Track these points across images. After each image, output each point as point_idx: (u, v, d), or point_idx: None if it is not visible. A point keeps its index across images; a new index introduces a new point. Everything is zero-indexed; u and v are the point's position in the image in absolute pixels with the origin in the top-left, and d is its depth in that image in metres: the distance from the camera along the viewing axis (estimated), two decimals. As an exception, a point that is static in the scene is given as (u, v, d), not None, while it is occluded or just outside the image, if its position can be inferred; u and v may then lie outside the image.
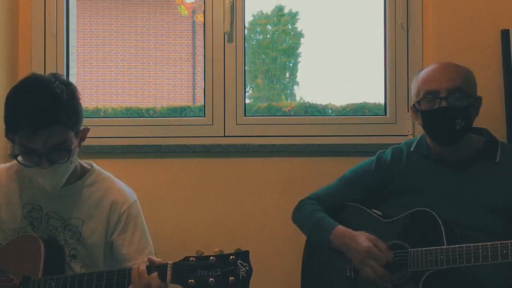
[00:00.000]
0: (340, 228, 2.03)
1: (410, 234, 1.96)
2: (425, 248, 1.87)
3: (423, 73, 2.08)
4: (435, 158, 2.09)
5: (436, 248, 1.85)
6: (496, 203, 1.97)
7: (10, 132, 1.78)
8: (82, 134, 1.89)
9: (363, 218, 2.09)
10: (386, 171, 2.14)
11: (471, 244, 1.80)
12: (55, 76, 1.84)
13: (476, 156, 2.05)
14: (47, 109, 1.73)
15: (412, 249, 1.90)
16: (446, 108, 1.97)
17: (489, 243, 1.78)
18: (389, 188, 2.12)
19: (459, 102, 1.98)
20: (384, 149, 2.22)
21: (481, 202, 1.98)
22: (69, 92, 1.80)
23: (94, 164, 2.02)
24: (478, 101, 2.06)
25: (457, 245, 1.82)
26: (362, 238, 1.95)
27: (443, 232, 1.86)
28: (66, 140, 1.78)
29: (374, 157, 2.21)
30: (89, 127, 1.92)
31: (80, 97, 1.86)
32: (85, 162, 2.01)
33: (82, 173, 1.96)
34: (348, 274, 2.04)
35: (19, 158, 1.82)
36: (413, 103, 2.11)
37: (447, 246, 1.84)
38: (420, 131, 2.62)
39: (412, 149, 2.16)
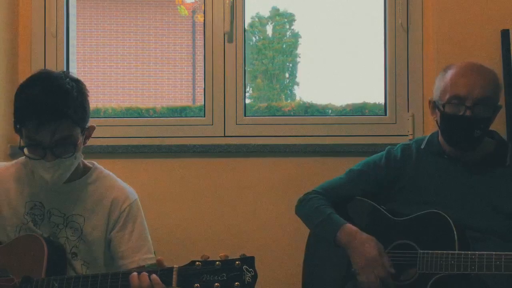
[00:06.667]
0: (349, 226, 1.99)
1: (420, 235, 1.93)
2: (435, 251, 1.84)
3: (454, 73, 2.02)
4: (447, 157, 2.07)
5: (447, 252, 1.82)
6: (506, 206, 1.96)
7: (18, 123, 1.80)
8: (88, 132, 1.91)
9: (372, 214, 2.06)
10: (396, 167, 2.12)
11: (484, 252, 1.78)
12: (65, 73, 1.88)
13: (487, 159, 2.04)
14: (55, 103, 1.75)
15: (421, 251, 1.88)
16: (469, 117, 1.95)
17: (503, 253, 1.76)
18: (398, 184, 2.10)
19: (483, 113, 1.96)
20: (394, 145, 2.20)
21: (492, 204, 1.97)
22: (79, 89, 1.84)
23: (96, 163, 2.03)
24: (498, 109, 2.05)
25: (470, 252, 1.80)
26: (372, 245, 1.92)
27: (456, 237, 1.83)
28: (72, 135, 1.80)
29: (383, 152, 2.18)
30: (95, 125, 1.94)
31: (89, 95, 1.89)
32: (87, 161, 2.02)
33: (84, 171, 1.97)
34: (353, 269, 2.00)
35: (25, 150, 1.83)
36: (434, 100, 2.07)
37: (459, 252, 1.81)
38: (419, 133, 2.63)
39: (422, 147, 2.13)
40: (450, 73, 2.03)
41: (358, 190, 2.13)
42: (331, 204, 2.10)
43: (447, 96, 1.99)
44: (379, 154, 2.19)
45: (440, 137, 2.10)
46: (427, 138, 2.16)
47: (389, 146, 2.21)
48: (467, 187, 2.01)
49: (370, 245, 1.92)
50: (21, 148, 1.83)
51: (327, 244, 2.05)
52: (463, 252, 1.81)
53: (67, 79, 1.82)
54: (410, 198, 2.05)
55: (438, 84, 2.07)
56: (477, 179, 2.02)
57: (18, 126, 1.80)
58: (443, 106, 2.00)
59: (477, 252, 1.79)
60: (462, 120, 1.96)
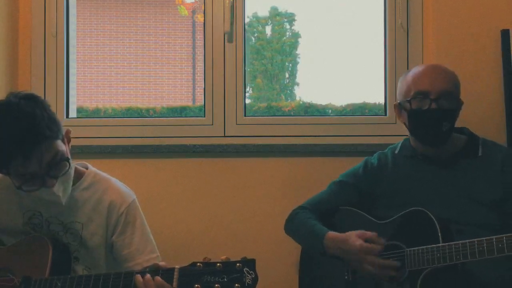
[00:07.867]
0: (330, 234, 2.03)
1: (405, 234, 1.98)
2: (421, 247, 1.89)
3: (414, 73, 2.11)
4: (421, 157, 2.13)
5: (432, 246, 1.87)
6: (484, 196, 2.01)
7: (2, 168, 1.76)
8: (67, 137, 1.86)
9: (357, 220, 2.11)
10: (374, 174, 2.19)
11: (467, 240, 1.82)
12: (15, 95, 1.78)
13: (459, 153, 2.10)
14: (27, 130, 1.69)
15: (408, 249, 1.92)
16: (435, 110, 2.02)
17: (484, 238, 1.80)
18: (378, 190, 2.16)
19: (448, 105, 2.04)
20: (371, 155, 2.27)
21: (470, 196, 2.02)
22: (37, 105, 1.76)
23: (89, 166, 2.00)
24: (461, 105, 2.12)
25: (453, 242, 1.84)
26: (353, 238, 1.97)
27: (438, 230, 1.89)
28: (58, 151, 1.76)
29: (362, 162, 2.26)
30: (70, 128, 1.88)
31: (49, 104, 1.81)
32: (79, 164, 1.99)
33: (78, 176, 1.94)
34: (346, 277, 2.05)
35: (23, 187, 1.79)
36: (398, 101, 2.15)
37: (443, 244, 1.86)
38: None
39: (396, 152, 2.21)
40: (411, 73, 2.12)
41: (342, 201, 2.20)
42: (317, 217, 2.15)
43: (411, 93, 2.07)
44: (358, 164, 2.26)
45: (411, 139, 2.17)
46: (400, 143, 2.24)
47: (367, 157, 2.28)
48: (444, 183, 2.07)
49: (352, 239, 1.97)
50: (18, 188, 1.79)
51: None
52: (447, 243, 1.85)
53: (22, 102, 1.74)
54: (391, 202, 2.10)
55: (401, 86, 2.15)
56: (452, 173, 2.08)
57: (3, 170, 1.77)
58: (409, 103, 2.07)
59: (460, 242, 1.83)
60: (429, 113, 2.03)
